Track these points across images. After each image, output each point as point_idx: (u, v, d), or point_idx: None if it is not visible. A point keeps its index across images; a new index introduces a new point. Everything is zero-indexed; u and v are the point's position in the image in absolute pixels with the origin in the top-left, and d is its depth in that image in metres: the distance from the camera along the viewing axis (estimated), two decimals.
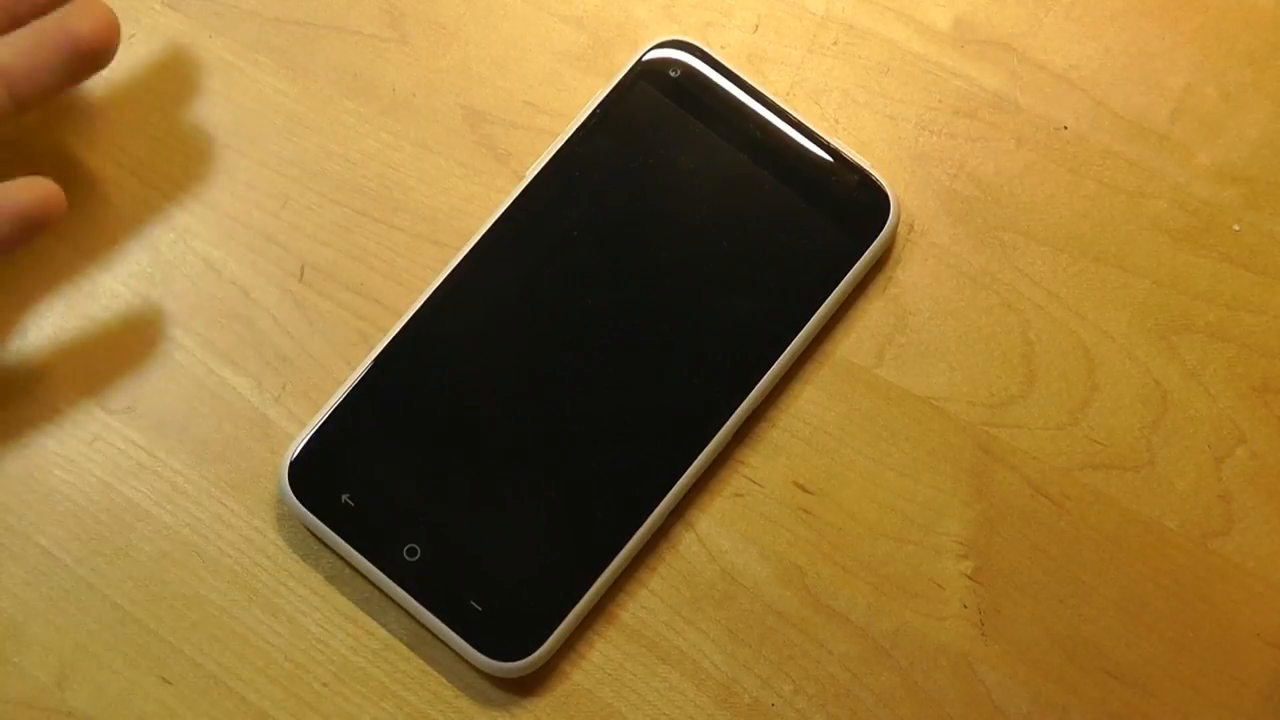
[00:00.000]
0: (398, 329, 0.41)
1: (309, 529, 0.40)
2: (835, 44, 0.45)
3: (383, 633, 0.39)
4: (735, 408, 0.40)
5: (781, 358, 0.41)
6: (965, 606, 0.40)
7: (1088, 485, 0.41)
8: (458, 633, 0.38)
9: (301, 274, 0.43)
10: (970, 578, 0.40)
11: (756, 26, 0.45)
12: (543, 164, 0.43)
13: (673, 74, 0.43)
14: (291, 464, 0.40)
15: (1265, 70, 0.45)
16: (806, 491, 0.41)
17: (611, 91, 0.43)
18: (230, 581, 0.40)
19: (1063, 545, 0.40)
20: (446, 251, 0.43)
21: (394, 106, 0.45)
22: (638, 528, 0.39)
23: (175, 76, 0.45)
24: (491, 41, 0.45)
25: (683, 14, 0.45)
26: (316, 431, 0.40)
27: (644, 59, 0.44)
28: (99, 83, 0.44)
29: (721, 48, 0.45)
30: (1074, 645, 0.40)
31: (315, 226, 0.43)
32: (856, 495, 0.41)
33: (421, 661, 0.39)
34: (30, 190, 0.39)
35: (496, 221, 0.42)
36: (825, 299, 0.41)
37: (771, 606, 0.40)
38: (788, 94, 0.44)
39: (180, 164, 0.44)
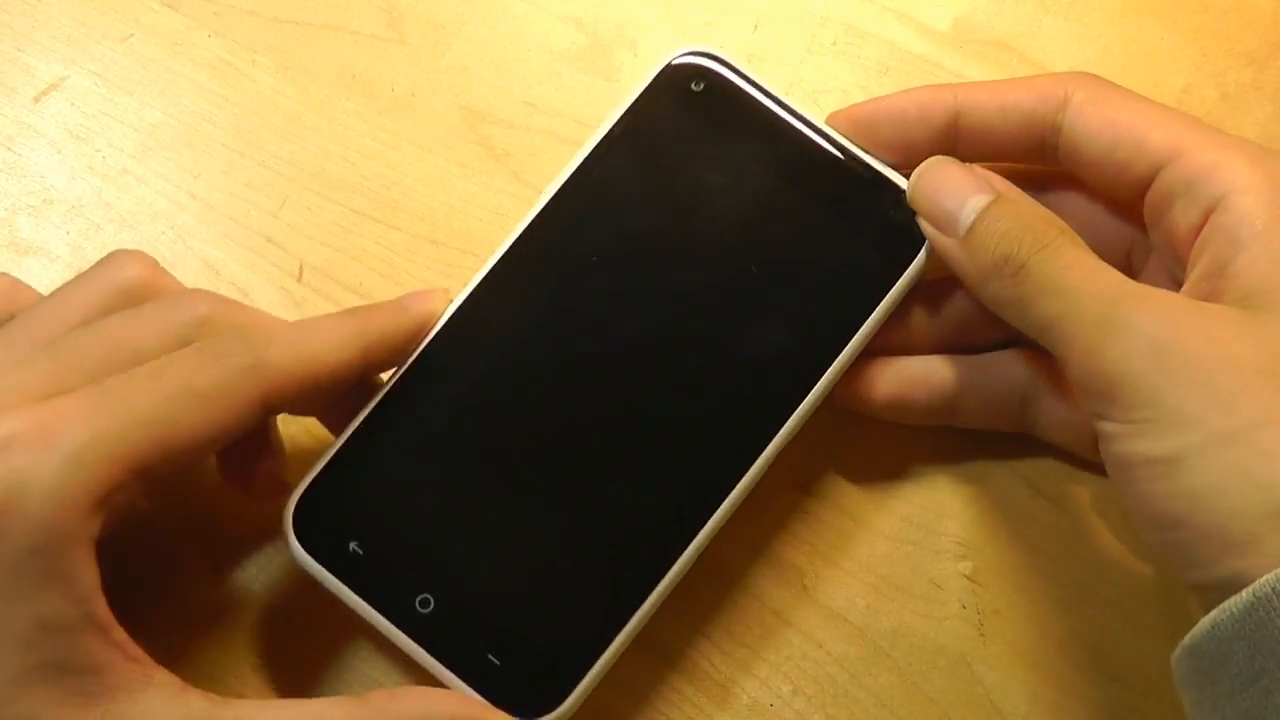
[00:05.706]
0: (408, 362, 0.38)
1: (315, 579, 0.36)
2: (835, 44, 0.45)
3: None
4: (771, 439, 0.37)
5: (817, 388, 0.37)
6: (964, 607, 0.40)
7: (1087, 486, 0.41)
8: (475, 689, 0.35)
9: (300, 274, 0.43)
10: (969, 578, 0.40)
11: (756, 26, 0.45)
12: (561, 182, 0.39)
13: (695, 87, 0.40)
14: (295, 511, 0.36)
15: (1265, 70, 0.45)
16: (806, 492, 0.41)
17: (632, 105, 0.40)
18: (232, 582, 0.40)
19: (1062, 545, 0.40)
20: (445, 251, 0.43)
21: (393, 106, 0.45)
22: (665, 573, 0.36)
23: (173, 76, 0.45)
24: (490, 41, 0.45)
25: (682, 14, 0.45)
26: (320, 474, 0.37)
27: (665, 70, 0.40)
28: (97, 82, 0.45)
29: (720, 48, 0.44)
30: (1073, 646, 0.39)
31: (314, 226, 0.43)
32: (856, 495, 0.41)
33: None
34: (426, 302, 0.38)
35: (513, 244, 0.38)
36: (861, 325, 0.38)
37: (771, 606, 0.40)
38: (786, 94, 0.44)
39: (179, 164, 0.44)
